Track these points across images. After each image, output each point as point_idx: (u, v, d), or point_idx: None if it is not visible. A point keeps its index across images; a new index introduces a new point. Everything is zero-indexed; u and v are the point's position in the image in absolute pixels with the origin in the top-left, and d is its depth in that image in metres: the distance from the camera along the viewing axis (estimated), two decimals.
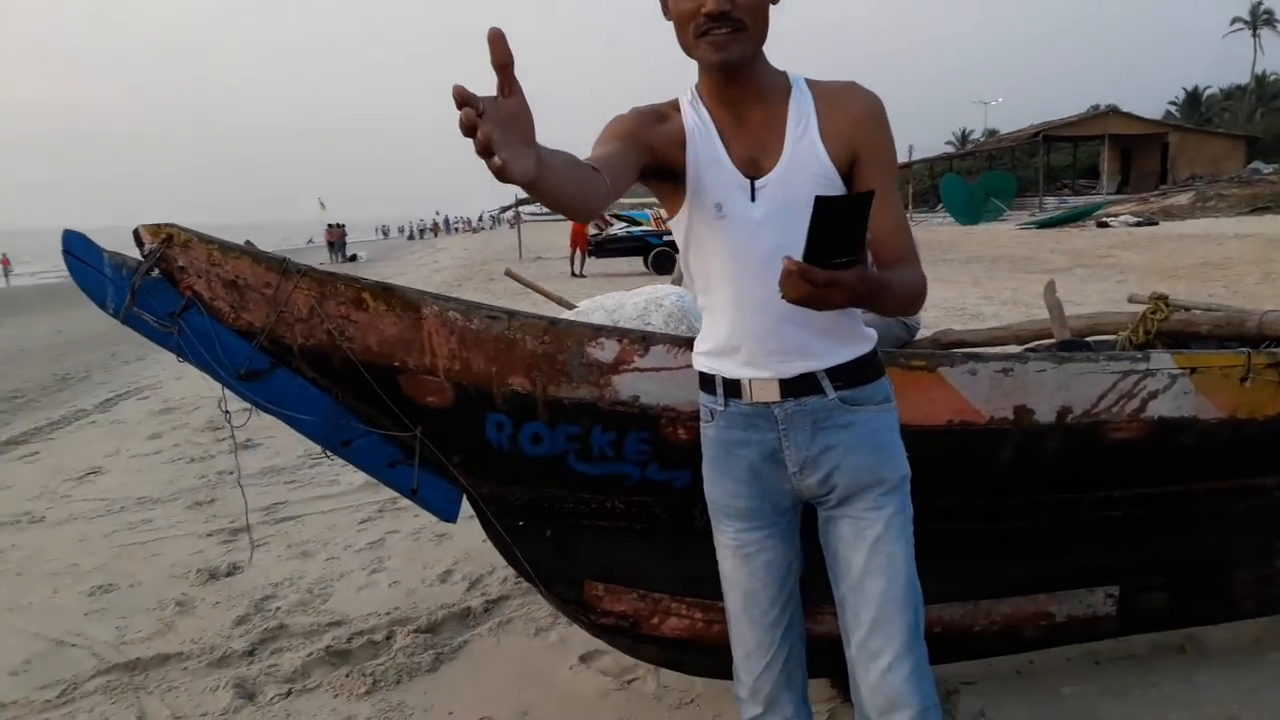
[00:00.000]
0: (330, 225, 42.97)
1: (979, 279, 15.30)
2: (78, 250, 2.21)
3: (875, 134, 1.69)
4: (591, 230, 20.63)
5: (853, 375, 1.73)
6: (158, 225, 2.20)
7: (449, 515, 2.42)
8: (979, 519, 2.40)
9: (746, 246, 1.68)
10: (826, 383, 1.71)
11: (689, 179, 1.70)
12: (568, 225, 22.64)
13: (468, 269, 24.98)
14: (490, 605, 3.51)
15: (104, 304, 2.23)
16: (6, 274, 33.85)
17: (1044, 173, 42.36)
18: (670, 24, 1.66)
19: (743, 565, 1.81)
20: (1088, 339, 3.75)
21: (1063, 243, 23.06)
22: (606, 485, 2.31)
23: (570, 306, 3.20)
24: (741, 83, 1.67)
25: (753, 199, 1.67)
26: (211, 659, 3.25)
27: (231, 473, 5.71)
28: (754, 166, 1.68)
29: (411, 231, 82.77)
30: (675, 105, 1.75)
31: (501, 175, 1.13)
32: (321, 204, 50.42)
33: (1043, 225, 30.93)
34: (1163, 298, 3.30)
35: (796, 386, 1.71)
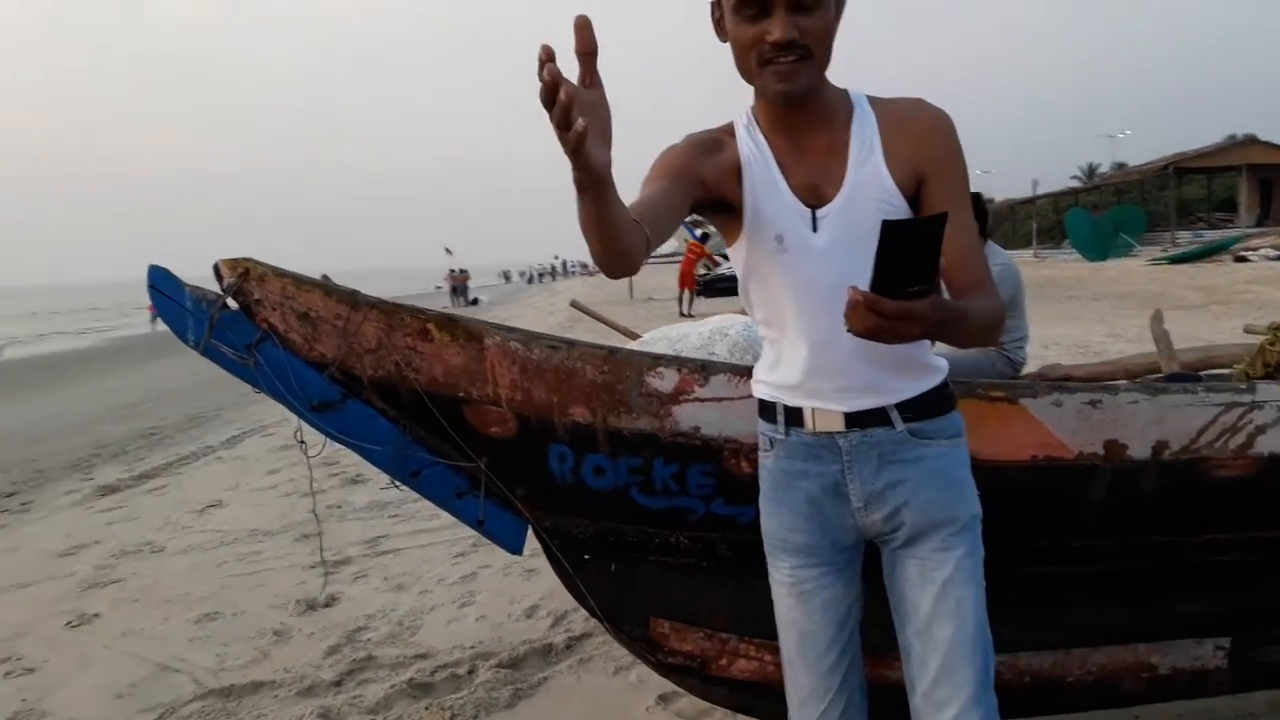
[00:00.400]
0: (452, 271, 44.43)
1: (1105, 316, 14.63)
2: (162, 285, 2.31)
3: (943, 152, 1.60)
4: (700, 270, 20.67)
5: (923, 408, 1.64)
6: (236, 260, 2.28)
7: (515, 547, 2.41)
8: (1070, 561, 2.25)
9: (810, 279, 1.60)
10: (895, 415, 1.62)
11: (746, 210, 1.63)
12: (676, 266, 22.70)
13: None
14: (573, 642, 3.49)
15: (185, 336, 2.31)
16: (154, 319, 36.07)
17: (1175, 206, 40.39)
18: (726, 46, 1.58)
19: (799, 605, 1.71)
20: (1200, 373, 3.50)
21: (1196, 278, 21.89)
22: (670, 519, 2.26)
23: (635, 337, 3.18)
24: (804, 110, 1.59)
25: (815, 229, 1.59)
26: (301, 688, 3.32)
27: (340, 506, 5.89)
28: (815, 195, 1.60)
29: (531, 275, 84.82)
30: (730, 130, 1.68)
31: (579, 149, 1.08)
32: (447, 250, 52.15)
33: (1175, 260, 29.44)
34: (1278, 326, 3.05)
35: (863, 418, 1.62)
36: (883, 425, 1.62)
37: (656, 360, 2.14)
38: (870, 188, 1.57)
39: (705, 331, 2.34)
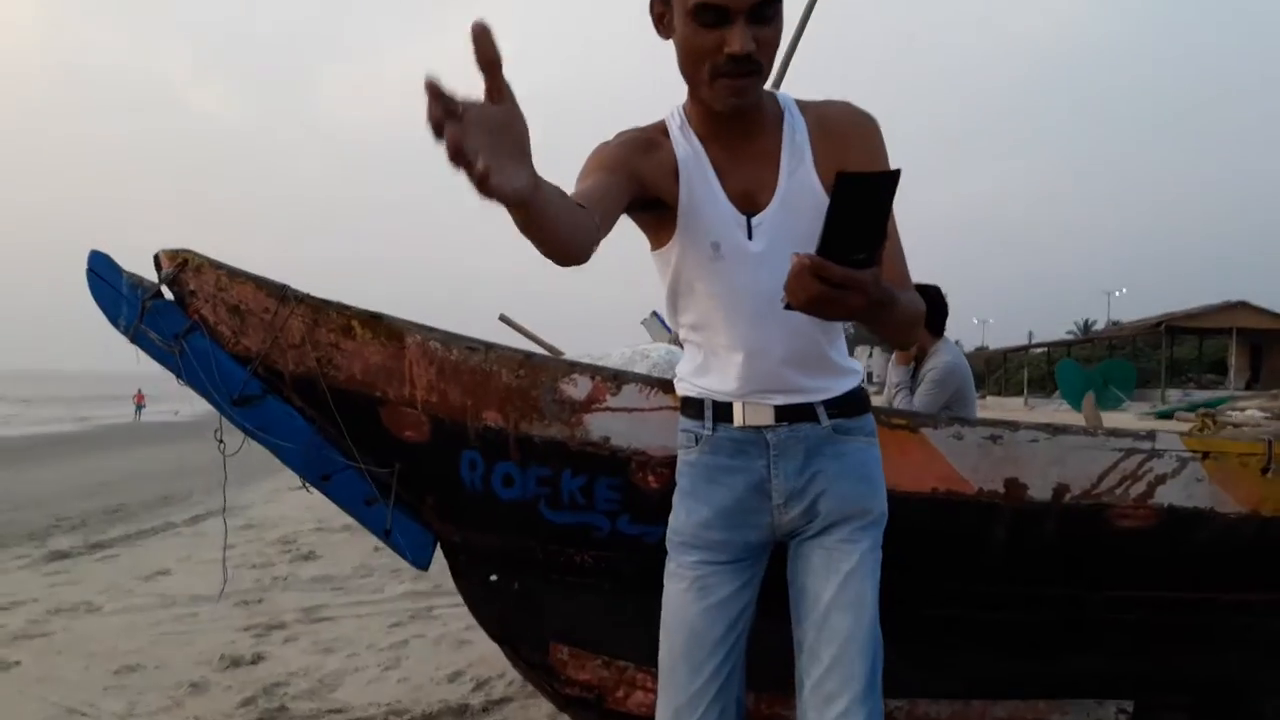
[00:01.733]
0: None
1: None
2: (100, 269, 2.36)
3: (868, 156, 1.60)
4: None
5: (845, 406, 1.67)
6: (176, 250, 2.34)
7: (421, 561, 2.39)
8: (973, 605, 2.23)
9: (745, 286, 1.60)
10: (822, 411, 1.65)
11: (682, 214, 1.60)
12: None
13: None
14: (490, 705, 3.38)
15: (116, 321, 2.35)
16: (139, 409, 35.88)
17: (1167, 365, 40.81)
18: (669, 43, 1.54)
19: (696, 600, 1.66)
20: None
21: (1177, 428, 21.86)
22: (576, 536, 2.25)
23: (560, 355, 3.20)
24: (742, 119, 1.58)
25: (750, 236, 1.58)
26: None
27: (287, 578, 5.79)
28: (750, 202, 1.59)
29: None
30: (664, 130, 1.65)
31: (484, 188, 0.95)
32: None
33: (1163, 415, 29.55)
34: (1209, 414, 3.08)
35: (791, 413, 1.64)
36: (809, 421, 1.64)
37: (571, 367, 2.18)
38: (802, 195, 1.58)
39: (627, 353, 2.38)
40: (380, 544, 6.86)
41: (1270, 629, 2.29)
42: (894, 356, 4.26)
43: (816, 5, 3.68)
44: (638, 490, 2.17)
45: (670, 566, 1.75)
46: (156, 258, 2.35)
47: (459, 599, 5.18)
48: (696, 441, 1.71)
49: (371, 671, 3.86)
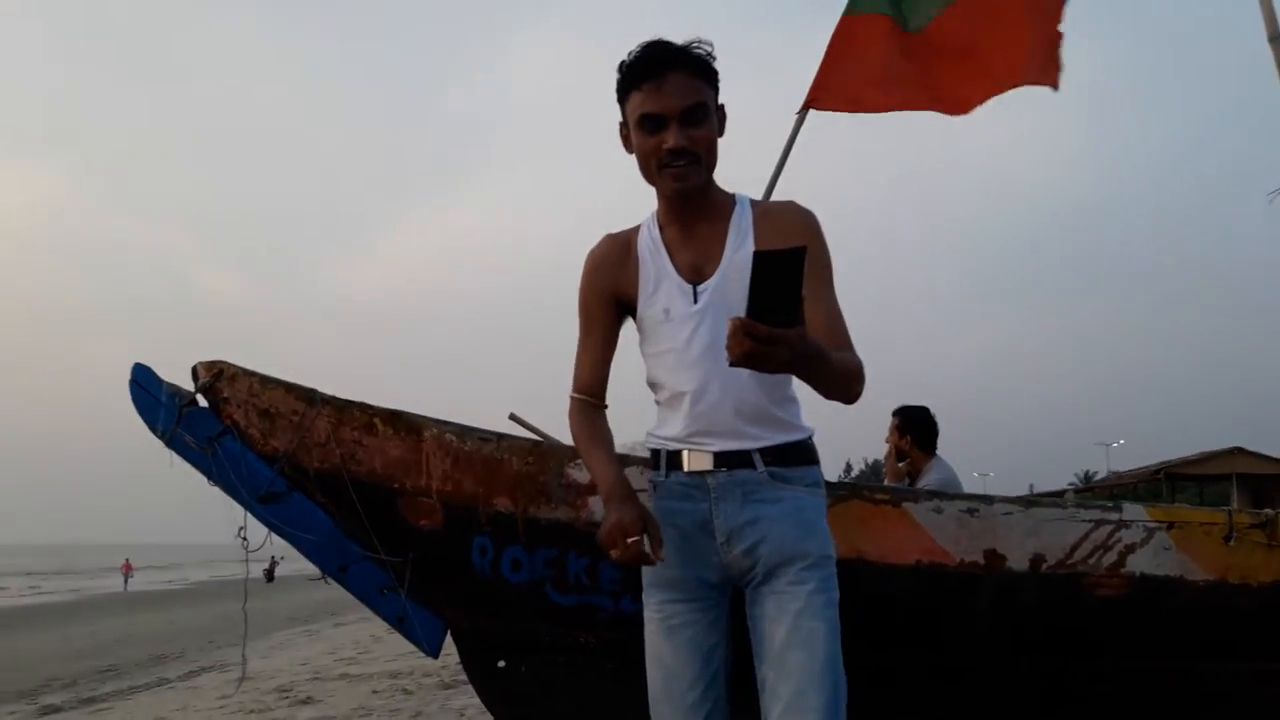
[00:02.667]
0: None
1: None
2: (143, 380, 2.55)
3: (806, 240, 1.77)
4: None
5: (783, 456, 1.84)
6: (213, 362, 2.54)
7: (432, 648, 2.49)
8: (962, 677, 2.33)
9: (687, 341, 1.84)
10: (757, 458, 1.83)
11: (641, 296, 1.90)
12: None
13: None
14: None
15: (154, 426, 2.52)
16: (127, 579, 35.27)
17: None
18: (633, 157, 1.87)
19: (666, 639, 1.83)
20: None
21: None
22: (581, 617, 2.37)
23: None
24: (694, 205, 1.87)
25: (695, 301, 1.84)
26: None
27: None
28: (697, 273, 1.86)
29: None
30: (636, 230, 1.96)
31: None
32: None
33: None
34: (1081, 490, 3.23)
35: (729, 459, 1.83)
36: (746, 467, 1.83)
37: (577, 453, 2.34)
38: (743, 269, 1.72)
39: (629, 442, 2.55)
40: (379, 687, 6.82)
41: (1244, 698, 2.38)
42: (886, 477, 4.42)
43: (801, 131, 4.01)
44: (637, 573, 2.30)
45: (646, 611, 1.91)
46: (195, 369, 2.54)
47: None
48: (654, 488, 1.92)
49: None
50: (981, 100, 4.03)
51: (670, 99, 1.76)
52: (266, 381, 2.50)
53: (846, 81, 4.07)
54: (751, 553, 1.80)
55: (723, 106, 1.88)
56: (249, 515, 2.52)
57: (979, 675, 2.34)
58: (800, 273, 1.45)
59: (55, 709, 7.08)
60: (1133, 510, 2.31)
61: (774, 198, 3.96)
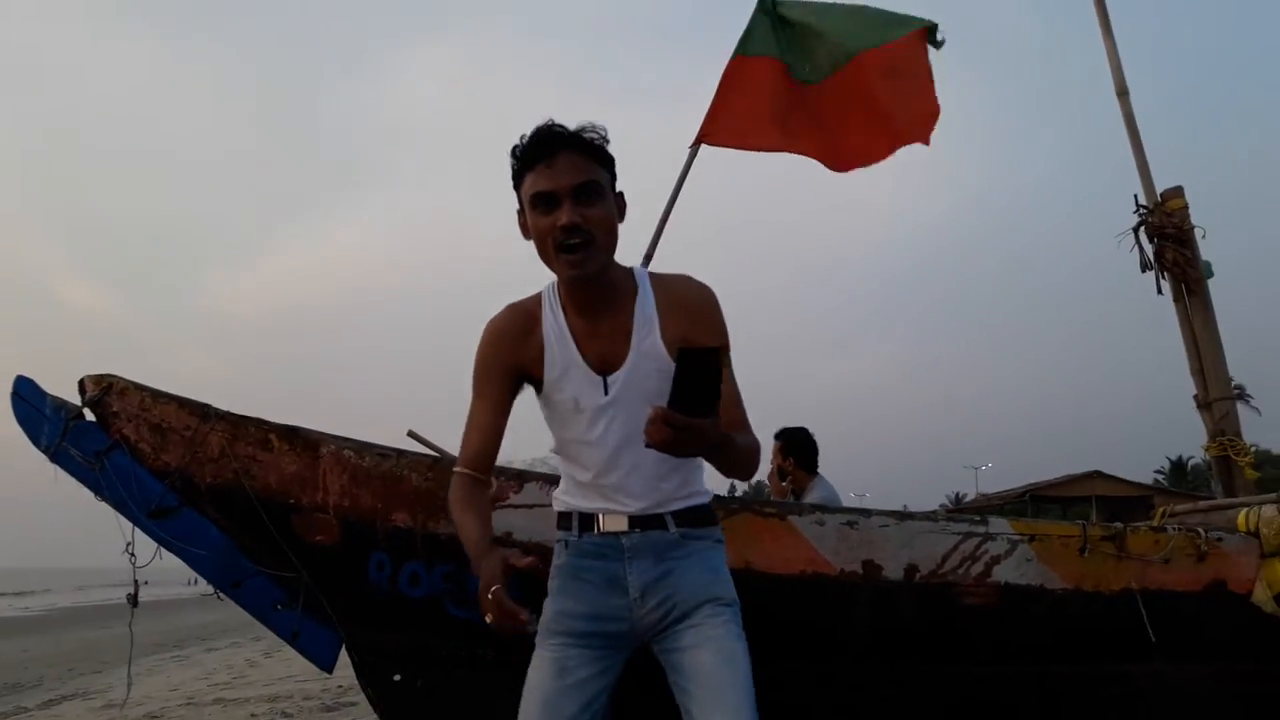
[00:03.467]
0: None
1: None
2: (24, 392, 2.49)
3: (707, 321, 1.89)
4: None
5: (691, 518, 1.92)
6: (101, 376, 2.50)
7: (326, 663, 2.49)
8: (840, 682, 2.46)
9: (600, 432, 1.86)
10: (670, 519, 1.89)
11: (548, 381, 1.89)
12: None
13: None
14: None
15: (38, 440, 2.47)
16: None
17: None
18: (530, 244, 1.84)
19: (555, 678, 1.82)
20: None
21: None
22: (479, 632, 2.39)
23: None
24: (595, 290, 1.84)
25: (606, 392, 1.85)
26: None
27: None
28: (606, 365, 1.85)
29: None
30: (538, 303, 1.92)
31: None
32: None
33: None
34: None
35: (643, 521, 1.89)
36: (659, 528, 1.89)
37: None
38: (649, 359, 1.84)
39: (529, 460, 2.61)
40: (257, 711, 6.66)
41: (1106, 696, 2.58)
42: (770, 496, 4.58)
43: (685, 185, 4.14)
44: (535, 581, 2.36)
45: (534, 658, 1.89)
46: (81, 383, 2.50)
47: None
48: (566, 547, 1.94)
49: None
50: (861, 164, 4.32)
51: (561, 176, 1.76)
52: (158, 396, 2.48)
53: (737, 119, 4.23)
54: (664, 603, 1.85)
55: (621, 193, 1.89)
56: (137, 531, 2.49)
57: (859, 679, 2.47)
58: (719, 369, 1.57)
59: None
60: (998, 524, 2.49)
61: (667, 228, 4.09)
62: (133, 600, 2.74)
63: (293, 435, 2.42)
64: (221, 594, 2.50)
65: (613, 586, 1.88)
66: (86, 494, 2.49)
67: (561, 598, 1.92)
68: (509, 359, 1.91)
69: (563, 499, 1.99)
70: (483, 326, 1.97)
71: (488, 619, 1.61)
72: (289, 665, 10.26)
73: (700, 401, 1.55)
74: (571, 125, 1.85)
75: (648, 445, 1.59)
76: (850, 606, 2.41)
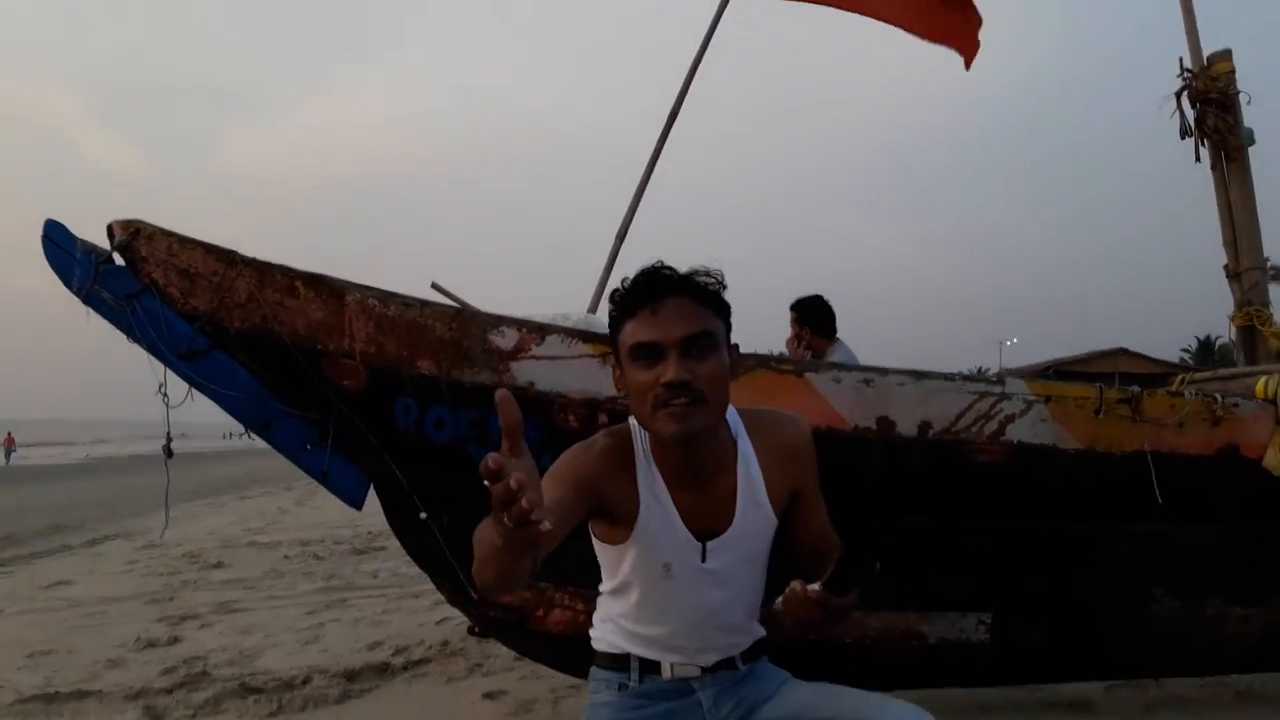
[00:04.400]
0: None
1: None
2: (56, 236, 2.52)
3: (809, 467, 1.81)
4: None
5: (755, 652, 1.87)
6: (128, 221, 2.52)
7: (356, 500, 2.59)
8: (849, 530, 2.53)
9: (692, 600, 1.73)
10: (739, 659, 1.83)
11: (637, 538, 1.70)
12: None
13: None
14: (410, 664, 3.56)
15: (69, 283, 2.51)
16: (8, 454, 33.78)
17: None
18: (626, 394, 1.64)
19: None
20: None
21: None
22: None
23: None
24: (697, 452, 1.65)
25: (704, 560, 1.70)
26: (129, 694, 3.30)
27: (197, 581, 5.81)
28: (706, 531, 1.70)
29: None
30: (629, 449, 1.71)
31: (526, 523, 1.13)
32: None
33: None
34: None
35: (715, 667, 1.82)
36: (729, 669, 1.83)
37: (500, 320, 2.43)
38: (755, 524, 1.73)
39: (549, 314, 2.64)
40: (290, 553, 6.95)
41: (1109, 553, 2.65)
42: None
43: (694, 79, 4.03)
44: (559, 430, 2.42)
45: None
46: (110, 227, 2.52)
47: (372, 591, 5.34)
48: (620, 689, 1.80)
49: (291, 646, 3.99)
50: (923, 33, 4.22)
51: (670, 326, 1.55)
52: (184, 242, 2.50)
53: None
54: (741, 704, 1.81)
55: (736, 346, 1.68)
56: (169, 374, 2.56)
57: (869, 531, 2.54)
58: (874, 565, 1.56)
59: None
60: (1014, 384, 2.51)
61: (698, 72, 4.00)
62: (167, 450, 2.84)
63: (318, 282, 2.45)
64: (253, 434, 2.58)
65: (684, 712, 1.81)
66: (120, 347, 2.54)
67: None
68: (599, 479, 1.66)
69: (612, 640, 1.85)
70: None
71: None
72: (320, 512, 10.70)
73: (853, 585, 1.54)
74: (682, 267, 1.64)
75: (787, 619, 1.57)
76: (862, 461, 2.46)
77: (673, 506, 1.68)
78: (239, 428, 2.76)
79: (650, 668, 1.79)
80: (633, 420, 1.71)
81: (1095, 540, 2.65)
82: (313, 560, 6.71)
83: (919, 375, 2.47)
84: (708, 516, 1.69)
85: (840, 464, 2.46)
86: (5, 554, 8.18)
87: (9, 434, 35.46)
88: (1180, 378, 3.36)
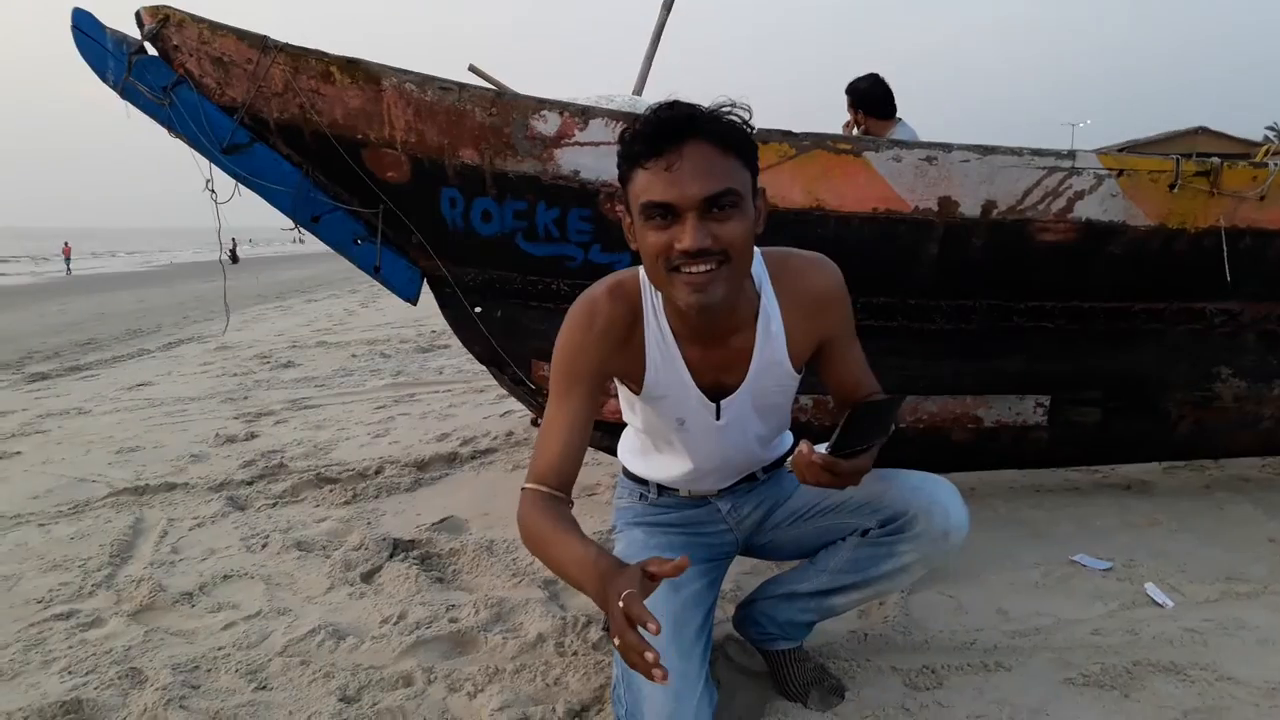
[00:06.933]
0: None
1: None
2: (85, 26, 2.46)
3: (837, 319, 1.65)
4: None
5: (778, 464, 1.86)
6: (156, 6, 2.43)
7: (410, 294, 2.60)
8: (908, 315, 2.49)
9: (708, 448, 1.72)
10: (760, 473, 1.84)
11: (647, 393, 1.64)
12: None
13: None
14: (477, 454, 3.69)
15: (104, 76, 2.46)
16: (68, 262, 34.42)
17: None
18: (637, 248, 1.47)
19: (672, 594, 1.64)
20: None
21: None
22: (552, 267, 2.46)
23: None
24: (714, 320, 1.52)
25: (718, 416, 1.65)
26: (212, 484, 3.48)
27: (269, 381, 6.02)
28: (720, 388, 1.63)
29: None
30: (639, 297, 1.60)
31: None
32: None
33: None
34: None
35: (734, 485, 1.84)
36: (748, 482, 1.84)
37: (540, 104, 2.34)
38: (769, 377, 1.63)
39: (593, 97, 2.54)
40: (357, 352, 7.11)
41: (1173, 334, 2.58)
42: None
43: None
44: (607, 221, 2.37)
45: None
46: (138, 14, 2.44)
47: (439, 387, 5.49)
48: (641, 499, 1.88)
49: (362, 439, 4.14)
50: None
51: (688, 184, 1.34)
52: (215, 28, 2.42)
53: None
54: (763, 504, 1.84)
55: (763, 191, 1.48)
56: (215, 169, 2.54)
57: (925, 313, 2.49)
58: (893, 415, 1.44)
59: (42, 376, 7.32)
60: (1085, 158, 2.37)
61: None
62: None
63: (353, 67, 2.36)
64: (302, 229, 2.57)
65: (710, 519, 1.86)
66: (173, 151, 2.51)
67: (646, 536, 1.83)
68: (605, 361, 1.57)
69: (637, 463, 1.87)
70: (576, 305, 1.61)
71: (616, 641, 1.18)
72: (384, 313, 10.93)
73: (862, 442, 1.42)
74: (704, 100, 1.40)
75: (800, 481, 1.46)
76: (923, 245, 2.38)
77: (684, 366, 1.60)
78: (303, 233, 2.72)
79: (668, 490, 1.85)
80: (643, 271, 1.56)
81: (1162, 320, 2.57)
82: (379, 358, 6.89)
83: (985, 150, 2.34)
84: (722, 372, 1.62)
85: (901, 247, 2.40)
86: (88, 358, 8.54)
87: (65, 243, 35.97)
88: (1265, 148, 3.16)
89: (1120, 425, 2.68)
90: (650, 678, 1.12)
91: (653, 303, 1.58)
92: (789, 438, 1.89)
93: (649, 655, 1.12)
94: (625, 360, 1.59)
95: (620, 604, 1.16)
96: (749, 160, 1.41)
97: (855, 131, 4.18)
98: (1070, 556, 2.49)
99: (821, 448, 1.42)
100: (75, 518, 3.27)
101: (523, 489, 1.51)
